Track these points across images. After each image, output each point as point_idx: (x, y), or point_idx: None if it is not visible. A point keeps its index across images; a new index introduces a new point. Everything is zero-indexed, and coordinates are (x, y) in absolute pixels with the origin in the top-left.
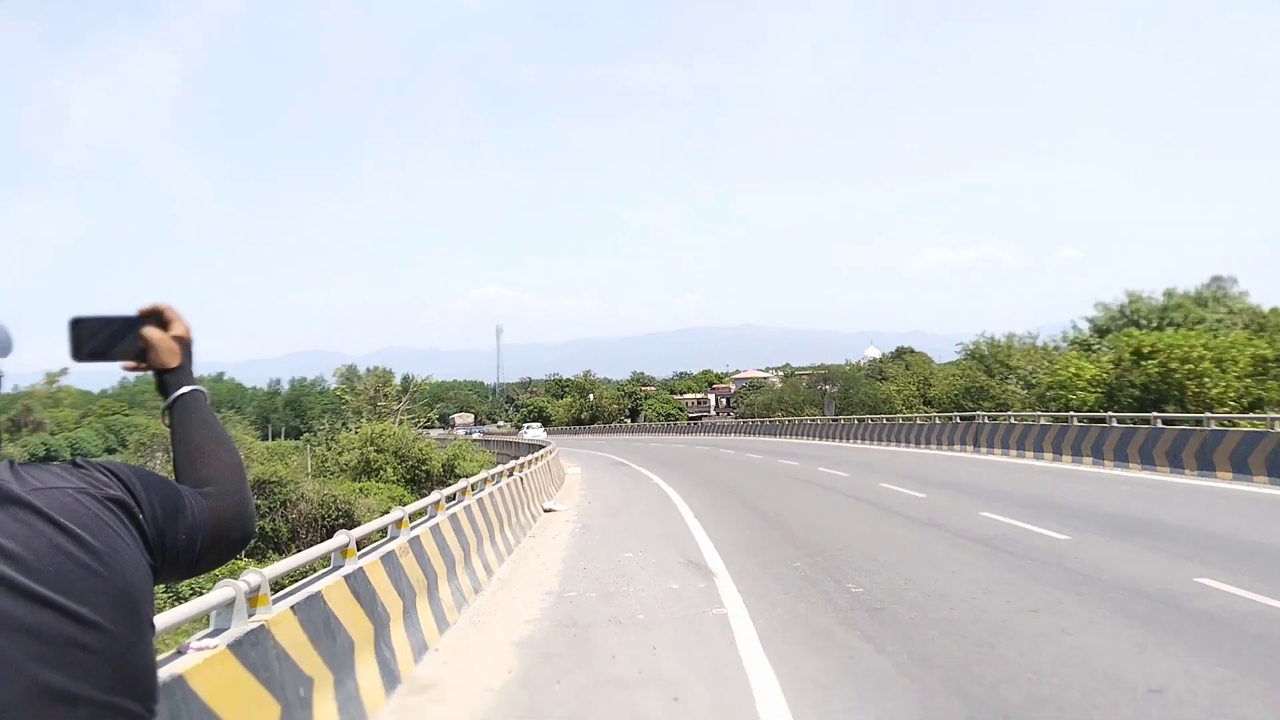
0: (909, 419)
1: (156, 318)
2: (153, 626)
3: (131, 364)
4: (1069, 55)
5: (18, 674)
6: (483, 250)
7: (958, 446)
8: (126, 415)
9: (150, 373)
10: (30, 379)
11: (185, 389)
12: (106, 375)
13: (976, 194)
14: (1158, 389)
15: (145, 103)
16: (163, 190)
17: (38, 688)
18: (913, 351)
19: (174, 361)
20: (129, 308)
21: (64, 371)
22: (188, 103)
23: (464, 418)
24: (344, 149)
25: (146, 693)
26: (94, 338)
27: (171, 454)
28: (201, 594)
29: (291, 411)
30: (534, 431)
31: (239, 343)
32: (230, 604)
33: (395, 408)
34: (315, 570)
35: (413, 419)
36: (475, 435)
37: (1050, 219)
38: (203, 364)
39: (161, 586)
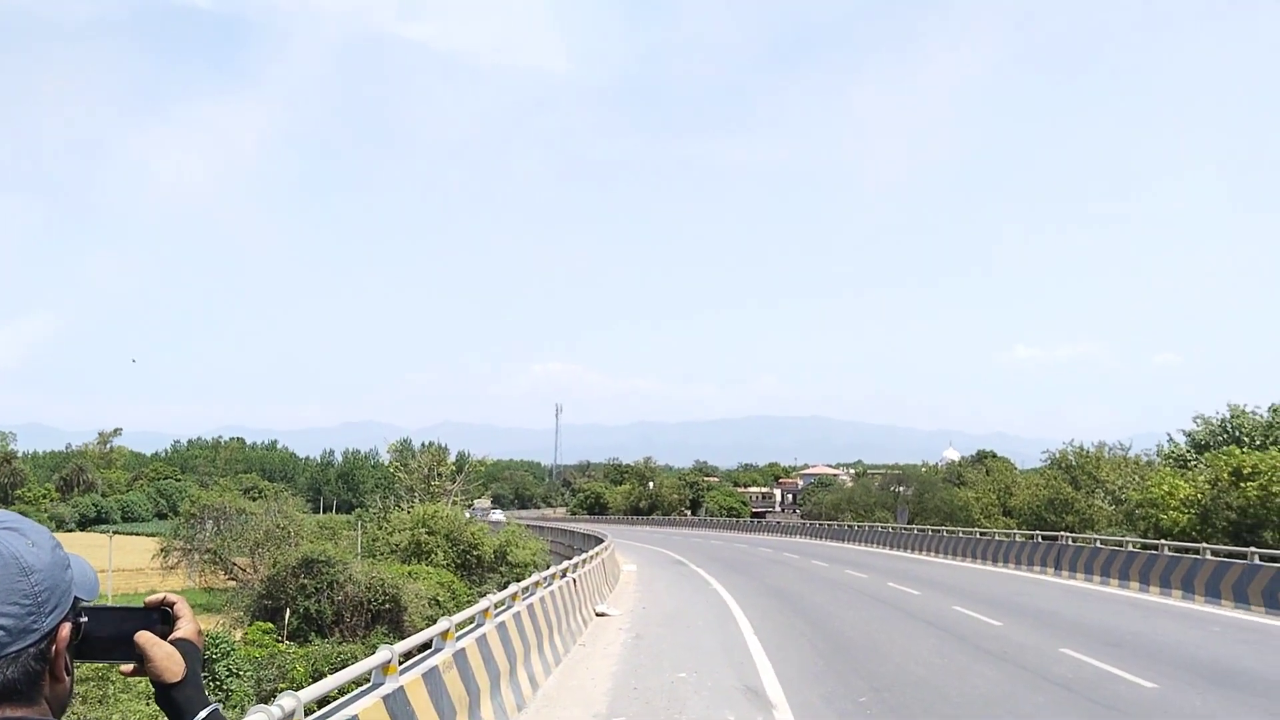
0: (986, 533)
1: (162, 613)
2: None
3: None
4: (1174, 151)
5: None
6: (546, 325)
7: (1037, 568)
8: (178, 480)
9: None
10: (84, 437)
11: (202, 715)
12: (158, 437)
13: (1073, 291)
14: (1256, 513)
15: (225, 164)
16: (232, 250)
17: None
18: (994, 456)
19: (176, 675)
20: (188, 371)
21: (117, 431)
22: (266, 165)
23: (482, 502)
24: (412, 218)
25: None
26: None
27: None
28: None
29: (344, 484)
30: (496, 515)
31: (294, 410)
32: None
33: (449, 488)
34: (359, 685)
35: (467, 500)
36: (493, 517)
37: (1152, 320)
38: (257, 430)
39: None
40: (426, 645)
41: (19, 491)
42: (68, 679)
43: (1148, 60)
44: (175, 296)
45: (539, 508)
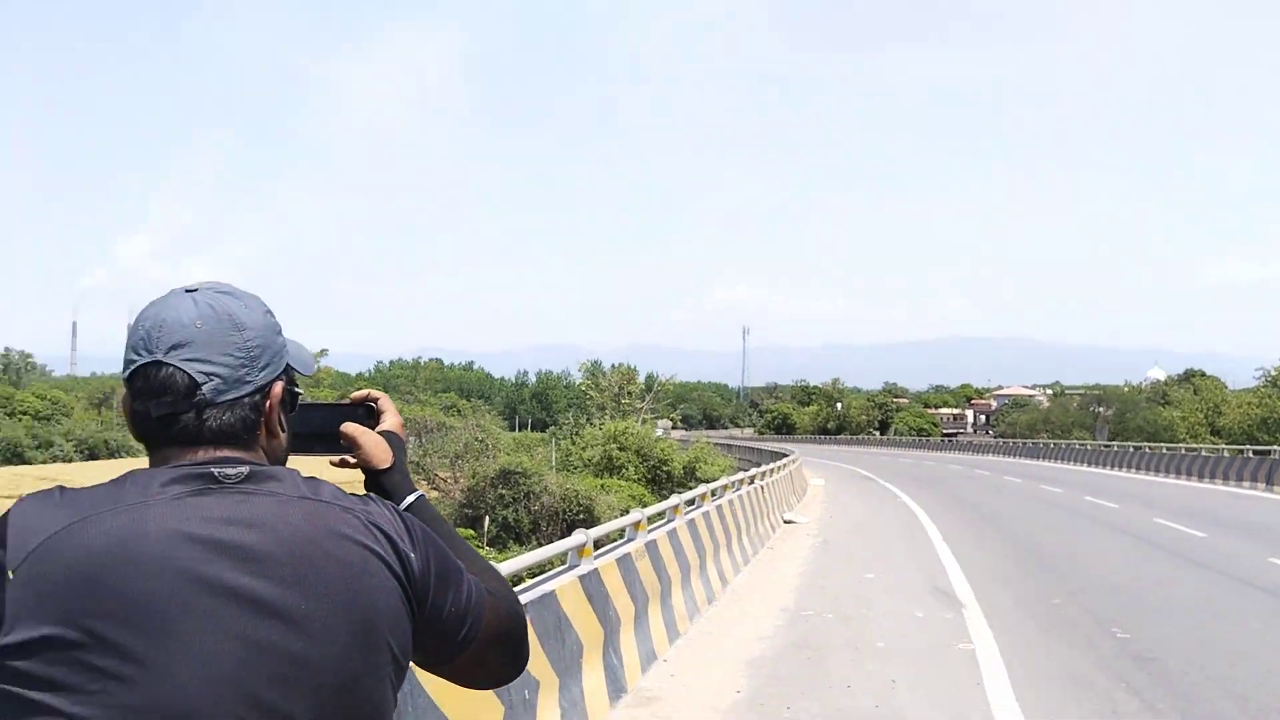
0: (1192, 449)
1: (366, 408)
2: (399, 667)
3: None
4: None
5: (232, 684)
6: (733, 248)
7: (1247, 483)
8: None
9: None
10: None
11: (410, 499)
12: (361, 359)
13: None
14: None
15: (414, 91)
16: (427, 178)
17: (248, 699)
18: (1203, 375)
19: (384, 461)
20: (388, 297)
21: (324, 352)
22: (450, 92)
23: (664, 423)
24: (597, 141)
25: None
26: (296, 425)
27: None
28: None
29: (537, 404)
30: (660, 431)
31: (489, 333)
32: None
33: (639, 406)
34: (553, 566)
35: (655, 418)
36: (659, 433)
37: None
38: (454, 352)
39: None
40: (620, 535)
41: None
42: (282, 435)
43: None
44: (373, 223)
45: (726, 428)
